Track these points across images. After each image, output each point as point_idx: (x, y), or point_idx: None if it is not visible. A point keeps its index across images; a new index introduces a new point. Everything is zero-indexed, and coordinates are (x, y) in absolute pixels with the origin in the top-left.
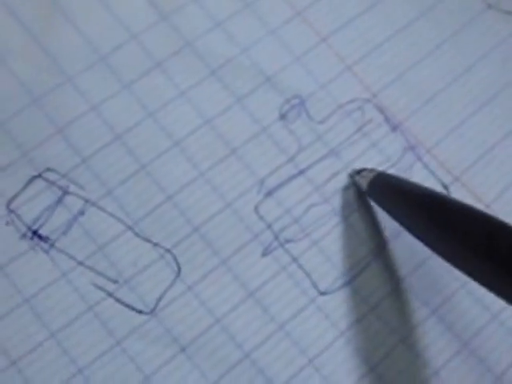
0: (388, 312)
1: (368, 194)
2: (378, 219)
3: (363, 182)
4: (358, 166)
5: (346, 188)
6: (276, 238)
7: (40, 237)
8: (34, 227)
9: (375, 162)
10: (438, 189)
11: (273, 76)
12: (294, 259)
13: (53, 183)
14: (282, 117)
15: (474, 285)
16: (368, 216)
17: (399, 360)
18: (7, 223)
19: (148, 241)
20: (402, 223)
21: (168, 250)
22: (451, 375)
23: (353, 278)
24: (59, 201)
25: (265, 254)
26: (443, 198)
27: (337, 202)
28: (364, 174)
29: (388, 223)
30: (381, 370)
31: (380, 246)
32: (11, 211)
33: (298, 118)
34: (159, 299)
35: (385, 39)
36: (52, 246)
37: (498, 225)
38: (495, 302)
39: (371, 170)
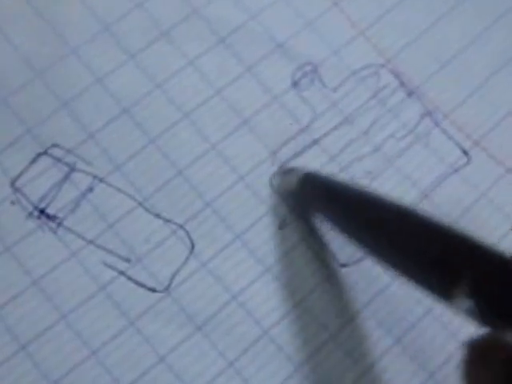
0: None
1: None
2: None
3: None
4: (373, 133)
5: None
6: (292, 211)
7: (47, 216)
8: (41, 206)
9: (391, 129)
10: (458, 154)
11: (284, 42)
12: (311, 231)
13: (59, 160)
14: (295, 84)
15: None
16: None
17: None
18: (13, 202)
19: (159, 217)
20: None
21: (180, 226)
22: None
23: None
24: (66, 178)
25: (281, 227)
26: (375, 199)
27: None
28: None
29: None
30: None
31: None
32: (17, 190)
33: (310, 85)
34: (173, 277)
35: (398, 1)
36: (60, 224)
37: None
38: None
39: (295, 171)
